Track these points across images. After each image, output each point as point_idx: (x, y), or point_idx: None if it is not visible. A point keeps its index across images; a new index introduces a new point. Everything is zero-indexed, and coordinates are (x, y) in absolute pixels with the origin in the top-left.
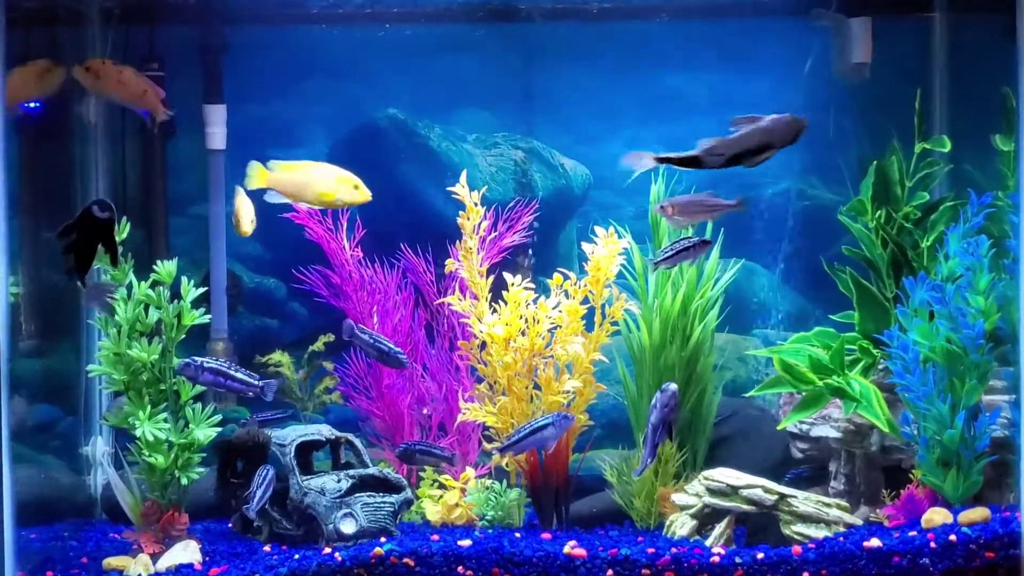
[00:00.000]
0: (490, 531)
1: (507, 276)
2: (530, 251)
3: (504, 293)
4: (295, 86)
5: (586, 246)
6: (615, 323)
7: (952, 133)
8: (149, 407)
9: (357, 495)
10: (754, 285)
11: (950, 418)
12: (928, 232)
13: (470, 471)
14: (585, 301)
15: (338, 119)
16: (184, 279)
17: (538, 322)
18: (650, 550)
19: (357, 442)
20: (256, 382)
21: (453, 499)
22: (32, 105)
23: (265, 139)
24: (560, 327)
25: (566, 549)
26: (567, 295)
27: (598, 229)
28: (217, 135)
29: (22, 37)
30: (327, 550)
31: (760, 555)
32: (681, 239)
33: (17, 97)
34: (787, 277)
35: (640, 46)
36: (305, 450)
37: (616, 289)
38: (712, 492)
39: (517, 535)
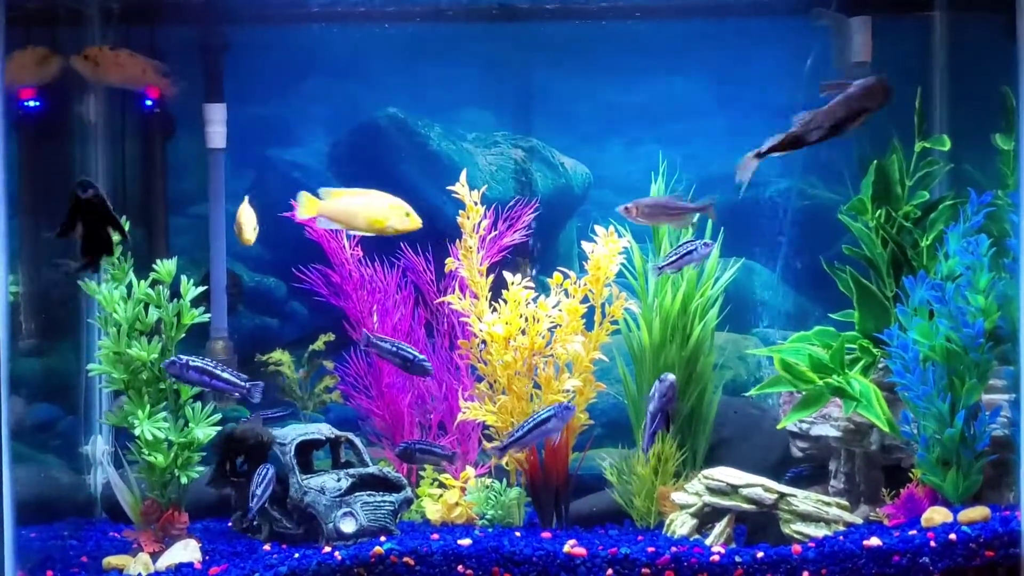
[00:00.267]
0: (490, 530)
1: (507, 275)
2: (533, 251)
3: (504, 292)
4: (295, 85)
5: (586, 245)
6: (615, 322)
7: (952, 132)
8: (149, 406)
9: (357, 494)
10: (754, 284)
11: (950, 417)
12: (928, 231)
13: (470, 470)
14: (585, 300)
15: (338, 118)
16: (184, 278)
17: (538, 321)
18: (650, 549)
19: (357, 441)
20: (243, 383)
21: (453, 498)
22: (32, 105)
23: (265, 138)
24: (560, 326)
25: (566, 548)
26: (567, 294)
27: (598, 228)
28: (217, 134)
29: (22, 37)
30: (327, 549)
31: (760, 554)
32: (683, 243)
33: (13, 81)
34: (787, 276)
35: (640, 46)
36: (305, 449)
37: (616, 288)
38: (712, 491)
39: (517, 534)
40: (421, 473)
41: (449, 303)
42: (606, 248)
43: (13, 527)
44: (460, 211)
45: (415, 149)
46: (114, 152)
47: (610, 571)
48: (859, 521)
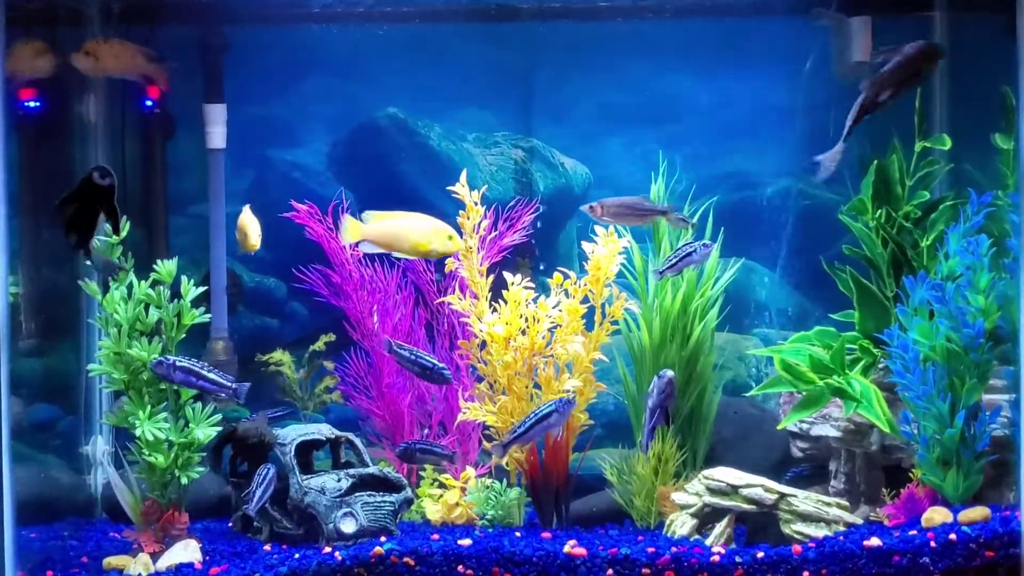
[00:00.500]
0: (490, 530)
1: (507, 275)
2: (534, 250)
3: (504, 292)
4: (295, 85)
5: (586, 245)
6: (615, 322)
7: (952, 132)
8: (149, 406)
9: (357, 494)
10: (754, 284)
11: (950, 417)
12: (928, 231)
13: (470, 470)
14: (585, 300)
15: (338, 118)
16: (184, 278)
17: (538, 321)
18: (650, 549)
19: (357, 441)
20: (229, 384)
21: (453, 498)
22: (32, 104)
23: (265, 138)
24: (560, 326)
25: (566, 548)
26: (567, 294)
27: (598, 228)
28: (217, 134)
29: (22, 36)
30: (327, 549)
31: (760, 554)
32: (682, 245)
33: (11, 72)
34: (787, 276)
35: (640, 45)
36: (305, 449)
37: (616, 288)
38: (712, 491)
39: (517, 534)
40: (421, 473)
41: (449, 303)
42: (606, 248)
43: (13, 527)
44: (460, 211)
45: (415, 149)
46: (114, 152)
47: (610, 571)
48: (859, 521)
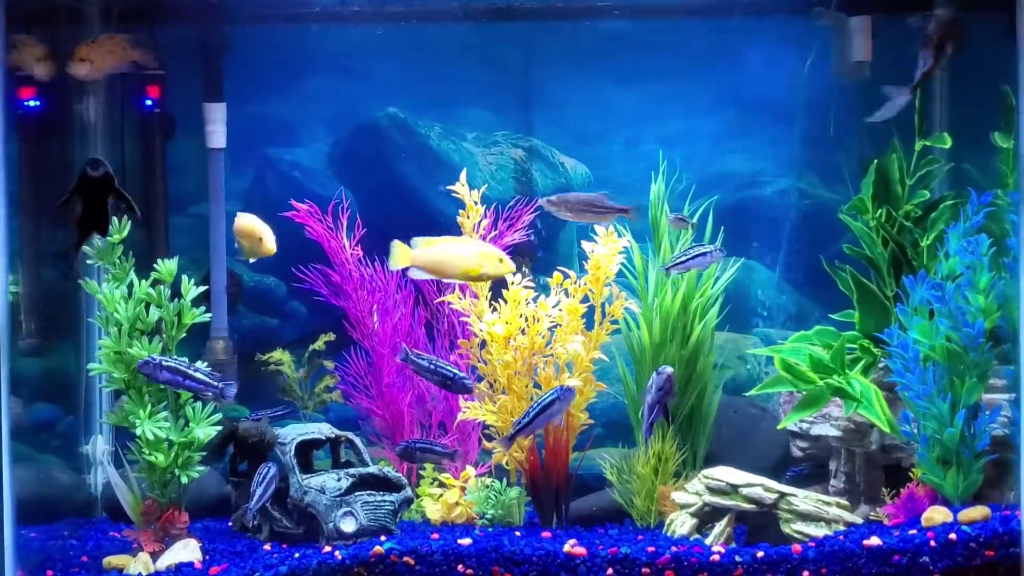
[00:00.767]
0: (490, 530)
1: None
2: (534, 250)
3: (504, 292)
4: (295, 85)
5: (586, 245)
6: (615, 322)
7: (952, 131)
8: (149, 406)
9: (357, 494)
10: (754, 284)
11: (950, 417)
12: (928, 230)
13: (470, 470)
14: (585, 300)
15: (338, 118)
16: (184, 278)
17: (538, 321)
18: (650, 549)
19: (357, 441)
20: (215, 383)
21: (453, 498)
22: (32, 104)
23: (265, 138)
24: (560, 326)
25: (566, 548)
26: (567, 294)
27: (598, 228)
28: (217, 133)
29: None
30: (327, 549)
31: (760, 553)
32: (695, 245)
33: (15, 66)
34: (787, 276)
35: (640, 45)
36: (305, 449)
37: (616, 288)
38: (712, 491)
39: (517, 534)
40: (421, 473)
41: (449, 303)
42: (606, 248)
43: (13, 527)
44: (460, 211)
45: (415, 149)
46: (114, 152)
47: (610, 571)
48: (859, 520)
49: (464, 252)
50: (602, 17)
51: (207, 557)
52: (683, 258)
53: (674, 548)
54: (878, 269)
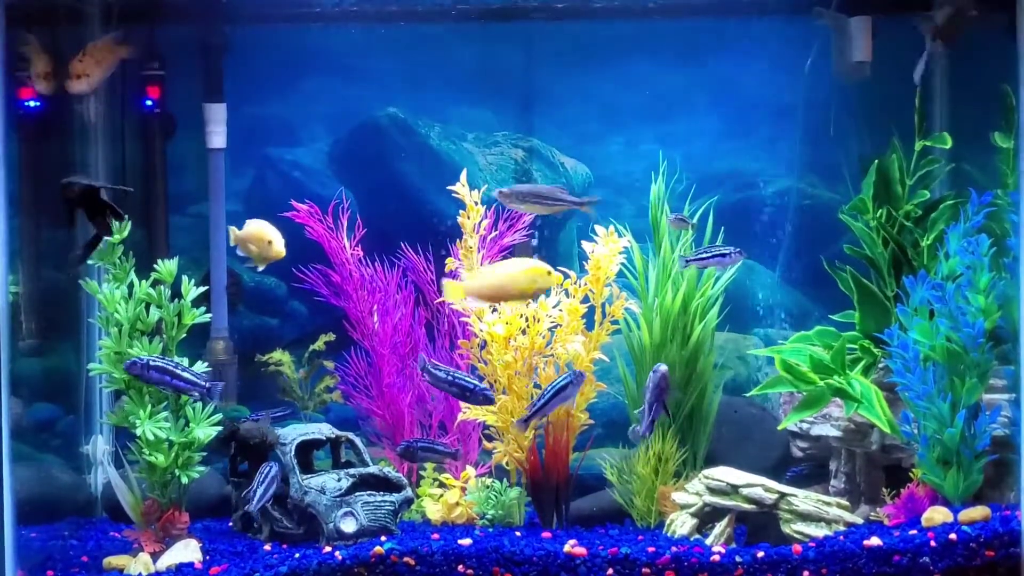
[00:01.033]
0: (490, 530)
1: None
2: (531, 250)
3: None
4: (295, 85)
5: (586, 245)
6: (615, 322)
7: (952, 131)
8: (149, 406)
9: (357, 494)
10: (754, 284)
11: (950, 417)
12: (928, 231)
13: (470, 470)
14: (585, 300)
15: (339, 117)
16: (185, 278)
17: (538, 321)
18: (650, 549)
19: (357, 441)
20: (202, 383)
21: (453, 498)
22: (32, 105)
23: (265, 138)
24: (560, 326)
25: (566, 548)
26: (567, 294)
27: (598, 228)
28: (217, 134)
29: (22, 31)
30: (327, 549)
31: (760, 554)
32: (716, 245)
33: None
34: (787, 276)
35: (641, 44)
36: (305, 449)
37: (616, 288)
38: (712, 491)
39: (517, 534)
40: (421, 473)
41: (449, 303)
42: (606, 248)
43: (13, 527)
44: (460, 211)
45: (415, 148)
46: (114, 152)
47: (611, 571)
48: (859, 521)
49: (514, 274)
50: (602, 17)
51: (207, 557)
52: (704, 254)
53: (674, 548)
54: (878, 269)
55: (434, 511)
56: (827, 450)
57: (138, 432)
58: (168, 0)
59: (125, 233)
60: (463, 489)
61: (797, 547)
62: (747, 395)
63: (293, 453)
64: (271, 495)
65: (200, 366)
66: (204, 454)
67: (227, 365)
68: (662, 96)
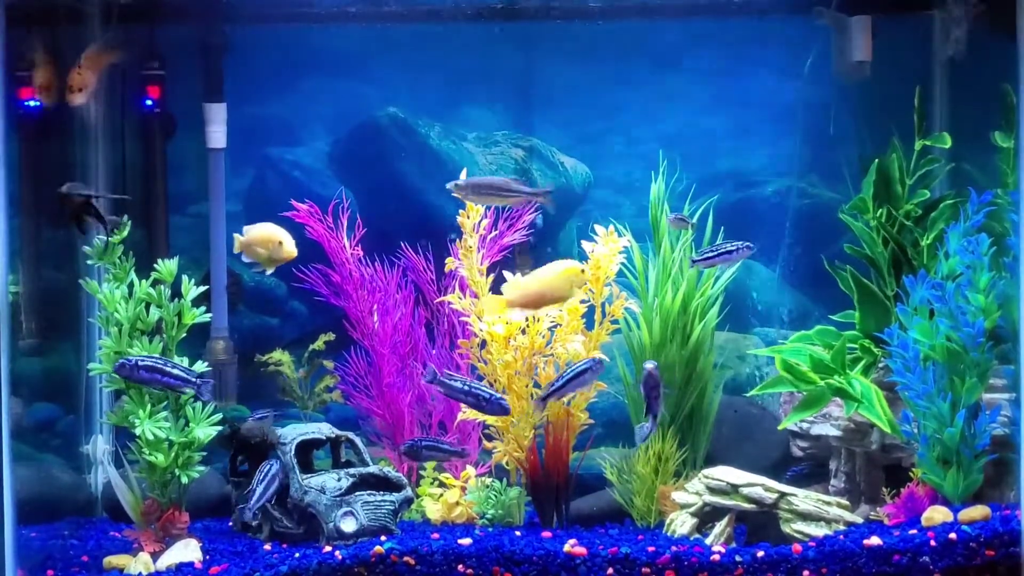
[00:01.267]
0: (490, 529)
1: (507, 274)
2: (529, 249)
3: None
4: (295, 84)
5: (586, 244)
6: (615, 321)
7: (952, 131)
8: (149, 405)
9: (357, 493)
10: (754, 284)
11: (950, 416)
12: (928, 230)
13: (470, 469)
14: (585, 299)
15: (339, 117)
16: (185, 277)
17: (538, 320)
18: (650, 548)
19: (357, 440)
20: (192, 378)
21: (453, 497)
22: (32, 105)
23: (266, 137)
24: (560, 325)
25: (566, 547)
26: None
27: (598, 228)
28: (217, 133)
29: (23, 36)
30: (327, 548)
31: (760, 553)
32: (723, 242)
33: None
34: (787, 275)
35: (641, 45)
36: (305, 448)
37: (616, 287)
38: (712, 490)
39: (517, 533)
40: (421, 472)
41: (449, 302)
42: (606, 247)
43: (13, 526)
44: (460, 210)
45: (415, 148)
46: (114, 152)
47: (610, 570)
48: (859, 520)
49: (553, 279)
50: (602, 17)
51: (207, 557)
52: (711, 253)
53: (674, 548)
54: (878, 269)
55: (434, 511)
56: (827, 449)
57: (138, 432)
58: (168, 0)
59: (125, 233)
60: (463, 489)
61: (797, 546)
62: (747, 395)
63: (293, 453)
64: (271, 494)
65: (200, 366)
66: (204, 454)
67: (227, 365)
68: (662, 96)
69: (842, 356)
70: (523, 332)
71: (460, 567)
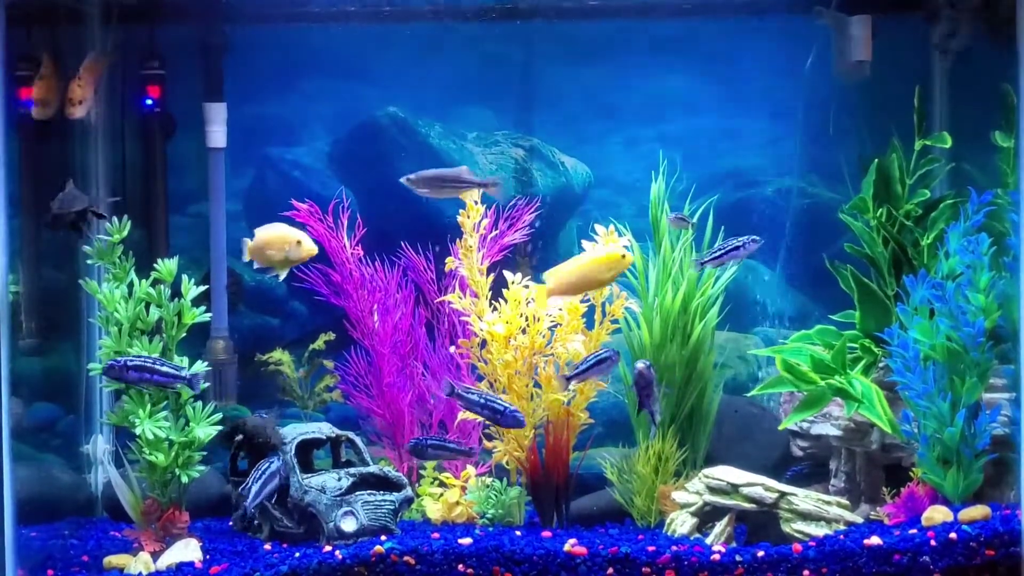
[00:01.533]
0: (490, 529)
1: (507, 274)
2: (527, 249)
3: (504, 291)
4: (295, 84)
5: (586, 244)
6: (615, 321)
7: (952, 131)
8: (149, 405)
9: (358, 493)
10: (754, 283)
11: (950, 416)
12: (929, 230)
13: (470, 469)
14: (585, 299)
15: (339, 117)
16: (185, 277)
17: (538, 320)
18: (650, 548)
19: (357, 440)
20: (182, 374)
21: (453, 497)
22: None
23: (266, 137)
24: (560, 325)
25: (566, 547)
26: None
27: (598, 227)
28: (217, 133)
29: (22, 36)
30: (328, 548)
31: (760, 553)
32: (729, 239)
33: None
34: (787, 275)
35: (641, 45)
36: (306, 448)
37: (616, 287)
38: (712, 490)
39: (517, 533)
40: (421, 472)
41: (449, 302)
42: (606, 247)
43: (14, 526)
44: (460, 210)
45: (416, 148)
46: (114, 151)
47: (611, 570)
48: (860, 520)
49: (592, 265)
50: (602, 16)
51: (208, 556)
52: (718, 252)
53: (674, 547)
54: (879, 268)
55: (434, 510)
56: (827, 449)
57: (138, 431)
58: (168, 0)
59: (125, 233)
60: (463, 488)
61: (797, 546)
62: (748, 395)
63: (293, 452)
64: (268, 492)
65: (200, 365)
66: (204, 453)
67: (227, 364)
68: (662, 95)
69: (842, 356)
70: (523, 332)
71: (460, 567)
